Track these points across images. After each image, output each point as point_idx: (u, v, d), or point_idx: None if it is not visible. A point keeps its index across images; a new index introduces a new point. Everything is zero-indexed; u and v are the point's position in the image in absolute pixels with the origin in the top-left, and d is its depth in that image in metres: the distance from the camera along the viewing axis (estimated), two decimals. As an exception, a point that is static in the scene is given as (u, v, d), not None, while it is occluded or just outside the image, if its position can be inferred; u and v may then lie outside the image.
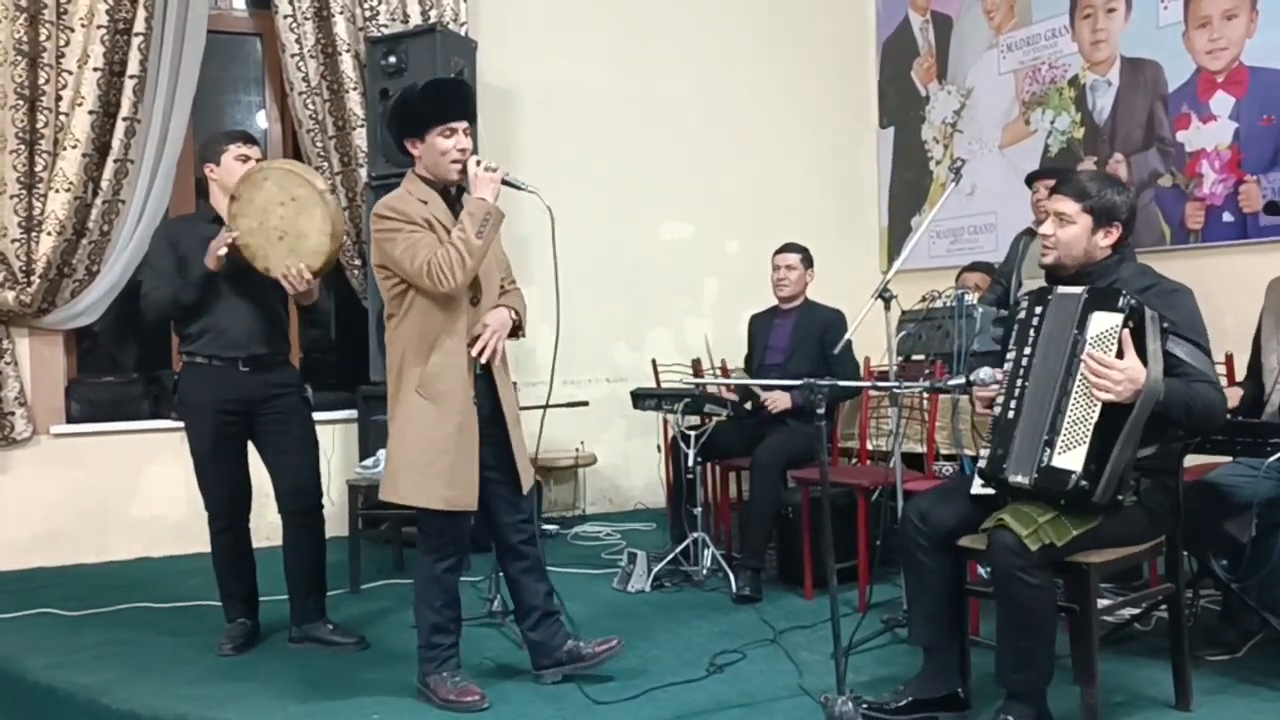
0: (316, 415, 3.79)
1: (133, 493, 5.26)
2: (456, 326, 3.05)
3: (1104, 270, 2.83)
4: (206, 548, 3.71)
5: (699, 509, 4.39)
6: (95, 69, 4.92)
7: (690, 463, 4.37)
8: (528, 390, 5.51)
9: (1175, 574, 2.92)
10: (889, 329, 4.02)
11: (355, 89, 5.43)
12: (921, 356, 4.44)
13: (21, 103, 4.81)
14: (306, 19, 5.44)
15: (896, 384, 3.47)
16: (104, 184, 5.01)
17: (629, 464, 6.25)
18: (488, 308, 3.15)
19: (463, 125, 3.07)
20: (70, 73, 4.92)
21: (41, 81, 4.87)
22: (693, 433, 4.41)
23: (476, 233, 2.97)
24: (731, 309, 5.75)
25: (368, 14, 5.47)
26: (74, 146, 4.89)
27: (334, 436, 5.46)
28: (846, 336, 4.18)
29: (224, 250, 3.39)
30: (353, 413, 5.47)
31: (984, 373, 2.87)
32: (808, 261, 4.76)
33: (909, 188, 6.72)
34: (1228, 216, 4.86)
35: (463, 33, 5.54)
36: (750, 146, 6.56)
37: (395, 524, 4.78)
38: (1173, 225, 5.08)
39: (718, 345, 5.45)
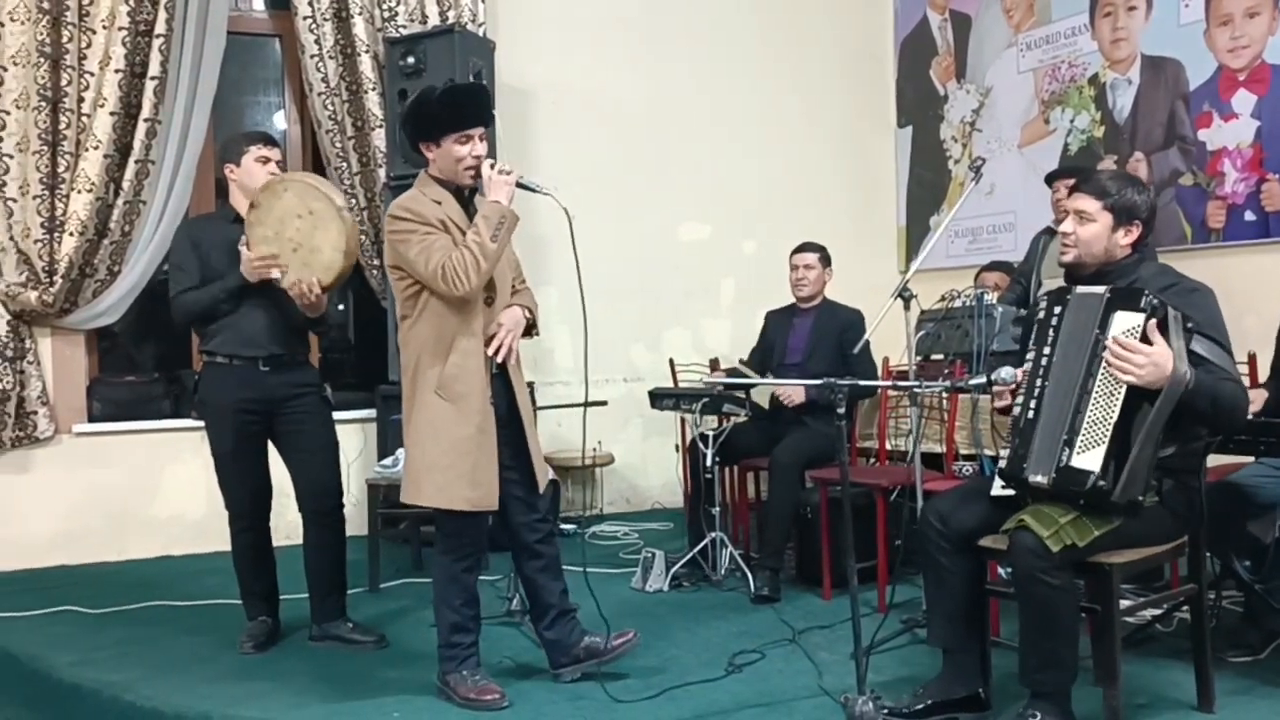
0: (336, 415, 3.81)
1: (154, 492, 5.30)
2: (472, 327, 3.05)
3: (1124, 269, 2.82)
4: (227, 546, 3.73)
5: (717, 509, 4.39)
6: (116, 70, 4.96)
7: (708, 463, 4.37)
8: (546, 390, 5.53)
9: (1198, 575, 2.90)
10: (908, 328, 4.01)
11: (374, 90, 5.45)
12: (940, 356, 4.42)
13: (44, 104, 4.85)
14: (325, 20, 5.46)
15: (917, 383, 3.46)
16: (125, 184, 5.04)
17: (646, 464, 6.25)
18: (502, 308, 3.16)
19: (479, 132, 3.07)
20: (92, 74, 4.95)
21: (64, 83, 4.91)
22: (711, 433, 4.41)
23: (491, 236, 2.97)
24: (749, 309, 5.73)
25: (386, 15, 5.48)
26: (96, 147, 4.93)
27: (353, 436, 5.48)
28: (866, 336, 4.17)
29: (264, 276, 3.42)
30: (372, 412, 5.49)
31: (1005, 372, 2.86)
32: (826, 261, 4.75)
33: (927, 187, 6.70)
34: (1249, 215, 4.83)
35: (481, 33, 5.55)
36: (767, 146, 6.55)
37: (414, 523, 4.80)
38: (1194, 224, 5.05)
39: (735, 346, 5.45)
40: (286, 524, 4.05)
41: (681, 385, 5.36)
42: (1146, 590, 3.64)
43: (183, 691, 3.24)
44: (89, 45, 4.96)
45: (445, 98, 3.06)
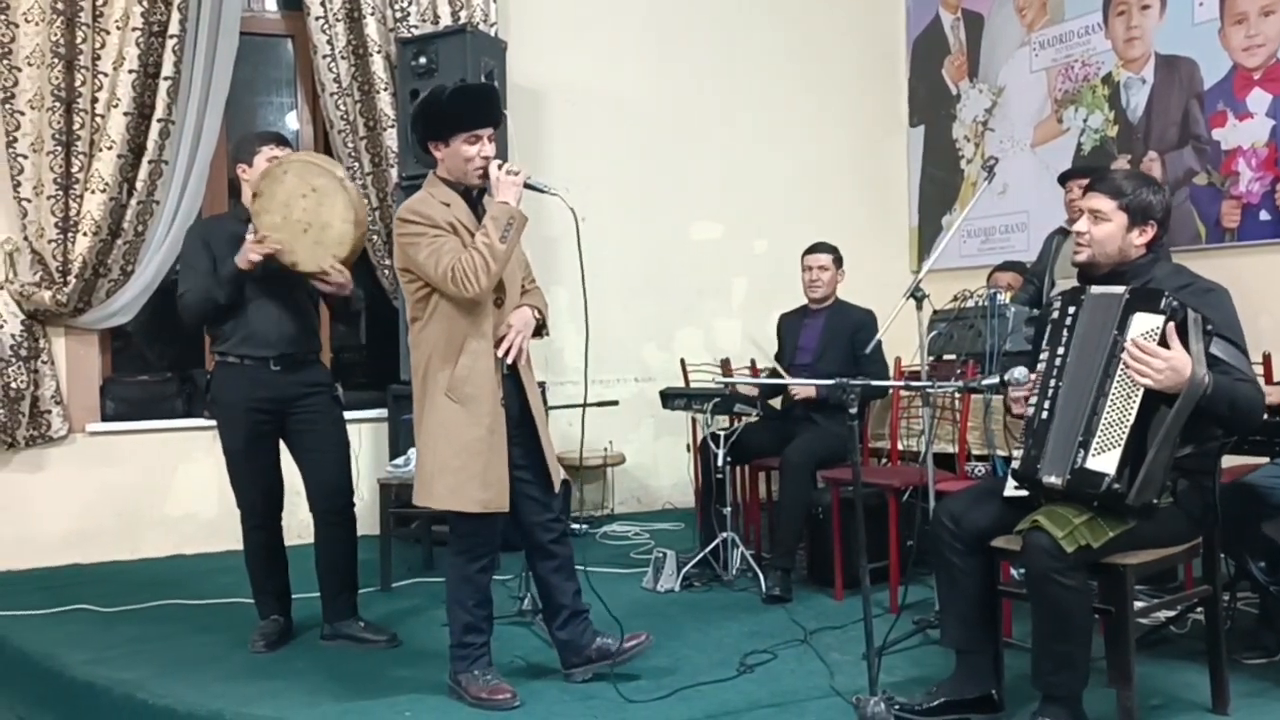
0: (347, 414, 3.81)
1: (166, 491, 5.31)
2: (482, 328, 3.05)
3: (1138, 270, 2.80)
4: (239, 545, 3.74)
5: (728, 509, 4.38)
6: (130, 71, 4.97)
7: (720, 463, 4.36)
8: (556, 390, 5.53)
9: (1212, 576, 2.88)
10: (920, 328, 4.00)
11: (386, 90, 5.46)
12: (953, 356, 4.41)
13: (58, 105, 4.87)
14: (338, 20, 5.47)
15: (930, 384, 3.45)
16: (139, 185, 5.06)
17: (657, 464, 6.25)
18: (511, 308, 3.15)
19: (488, 132, 3.06)
20: (106, 75, 4.97)
21: (78, 84, 4.93)
22: (722, 433, 4.40)
23: (500, 237, 2.97)
24: (760, 309, 5.74)
25: (398, 15, 5.49)
26: (109, 148, 4.95)
27: (364, 435, 5.49)
28: (878, 337, 4.16)
29: (258, 256, 3.42)
30: (383, 411, 5.50)
31: (1019, 372, 2.85)
32: (839, 261, 4.74)
33: (939, 187, 6.68)
34: (1264, 215, 4.80)
35: (493, 33, 5.56)
36: (779, 146, 6.54)
37: (425, 522, 4.81)
38: (1208, 224, 5.02)
39: (746, 346, 5.44)
40: (298, 523, 4.06)
41: (693, 385, 5.36)
42: (1161, 591, 3.62)
43: (195, 690, 3.25)
44: (103, 46, 4.97)
45: (454, 97, 3.06)
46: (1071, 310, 2.79)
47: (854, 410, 2.83)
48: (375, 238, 5.53)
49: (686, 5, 6.38)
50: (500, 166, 3.06)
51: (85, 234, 4.92)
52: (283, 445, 3.70)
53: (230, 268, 3.47)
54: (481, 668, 3.12)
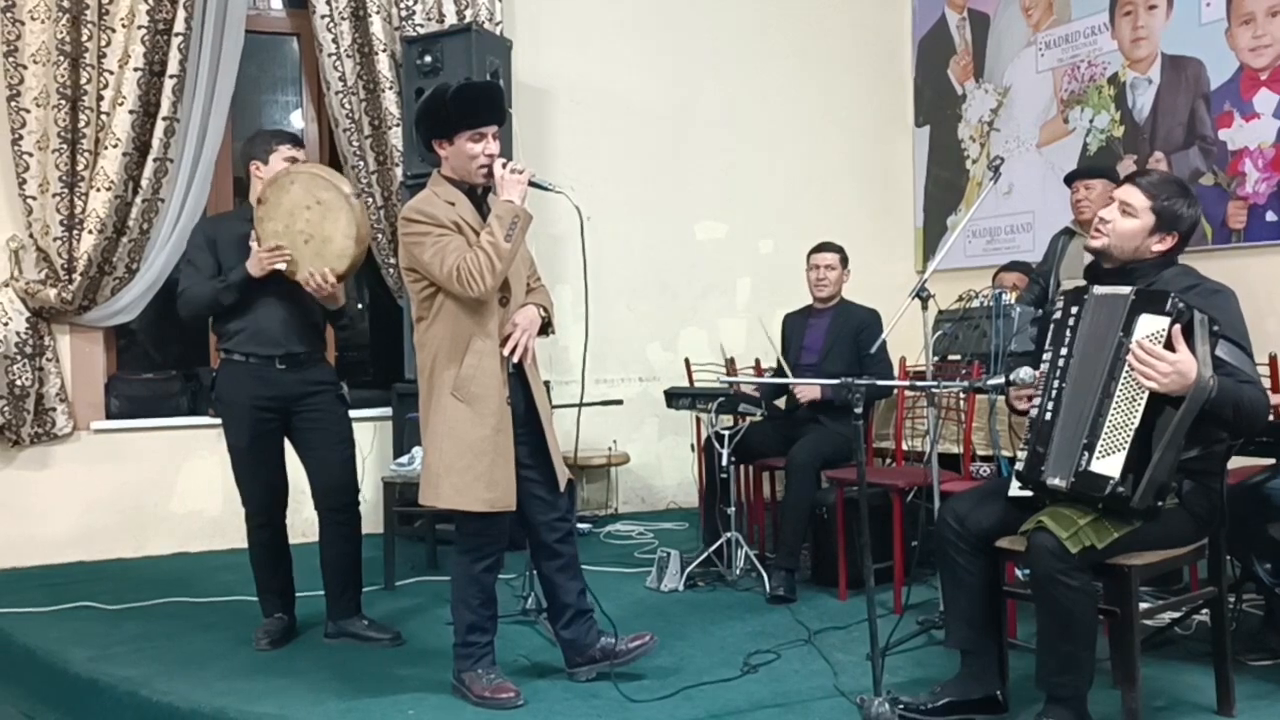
0: (352, 412, 3.81)
1: (171, 488, 5.32)
2: (488, 328, 3.05)
3: (1146, 269, 2.78)
4: (243, 543, 3.75)
5: (732, 509, 4.37)
6: (135, 69, 4.98)
7: (724, 462, 4.36)
8: (561, 389, 5.53)
9: (1218, 577, 2.88)
10: (926, 328, 3.99)
11: (391, 88, 5.46)
12: (958, 356, 4.40)
13: (64, 102, 4.87)
14: (343, 19, 5.47)
15: (935, 384, 3.44)
16: (144, 182, 5.06)
17: (661, 463, 6.25)
18: (517, 307, 3.15)
19: (492, 130, 3.06)
20: (111, 73, 4.98)
21: (83, 81, 4.93)
22: (726, 432, 4.40)
23: (505, 236, 2.96)
24: (765, 308, 5.72)
25: (403, 14, 5.49)
26: (115, 145, 4.95)
27: (369, 434, 5.49)
28: (882, 336, 4.15)
29: (269, 268, 3.43)
30: (388, 410, 5.50)
31: (1024, 372, 2.84)
32: (845, 260, 4.73)
33: (945, 187, 6.67)
34: (1271, 215, 4.79)
35: (498, 32, 5.56)
36: (785, 145, 6.54)
37: (430, 521, 4.81)
38: (1214, 225, 5.01)
39: (751, 345, 5.44)
40: (302, 521, 4.06)
41: (697, 385, 5.36)
42: (1166, 593, 3.61)
43: (199, 687, 3.25)
44: (108, 44, 4.98)
45: (459, 95, 3.05)
46: (1074, 310, 2.78)
47: (859, 410, 2.83)
48: (380, 237, 5.54)
49: (692, 4, 6.38)
50: (505, 165, 3.06)
51: (90, 232, 4.93)
52: (288, 443, 3.70)
53: (241, 273, 3.48)
54: (485, 666, 3.12)
